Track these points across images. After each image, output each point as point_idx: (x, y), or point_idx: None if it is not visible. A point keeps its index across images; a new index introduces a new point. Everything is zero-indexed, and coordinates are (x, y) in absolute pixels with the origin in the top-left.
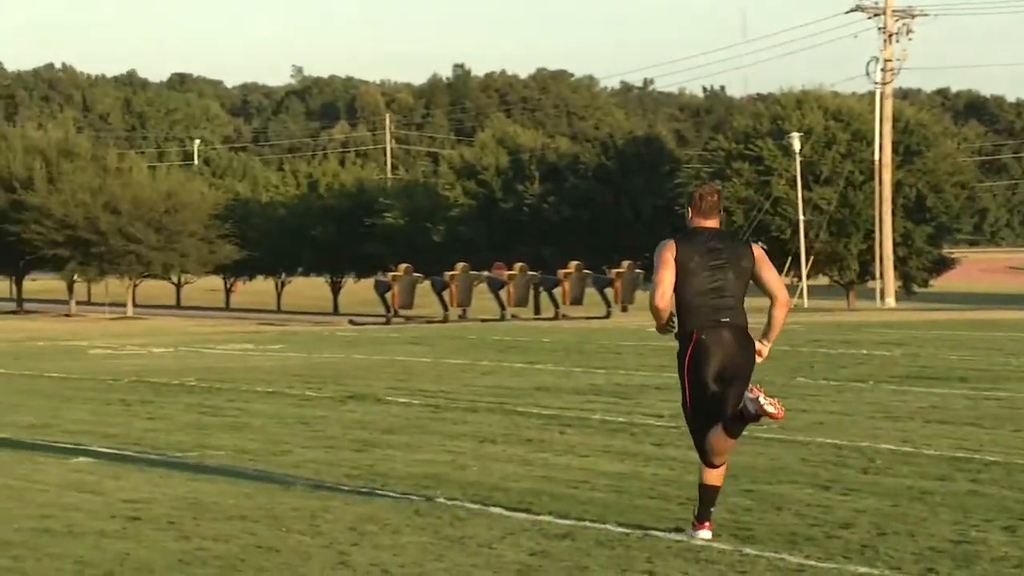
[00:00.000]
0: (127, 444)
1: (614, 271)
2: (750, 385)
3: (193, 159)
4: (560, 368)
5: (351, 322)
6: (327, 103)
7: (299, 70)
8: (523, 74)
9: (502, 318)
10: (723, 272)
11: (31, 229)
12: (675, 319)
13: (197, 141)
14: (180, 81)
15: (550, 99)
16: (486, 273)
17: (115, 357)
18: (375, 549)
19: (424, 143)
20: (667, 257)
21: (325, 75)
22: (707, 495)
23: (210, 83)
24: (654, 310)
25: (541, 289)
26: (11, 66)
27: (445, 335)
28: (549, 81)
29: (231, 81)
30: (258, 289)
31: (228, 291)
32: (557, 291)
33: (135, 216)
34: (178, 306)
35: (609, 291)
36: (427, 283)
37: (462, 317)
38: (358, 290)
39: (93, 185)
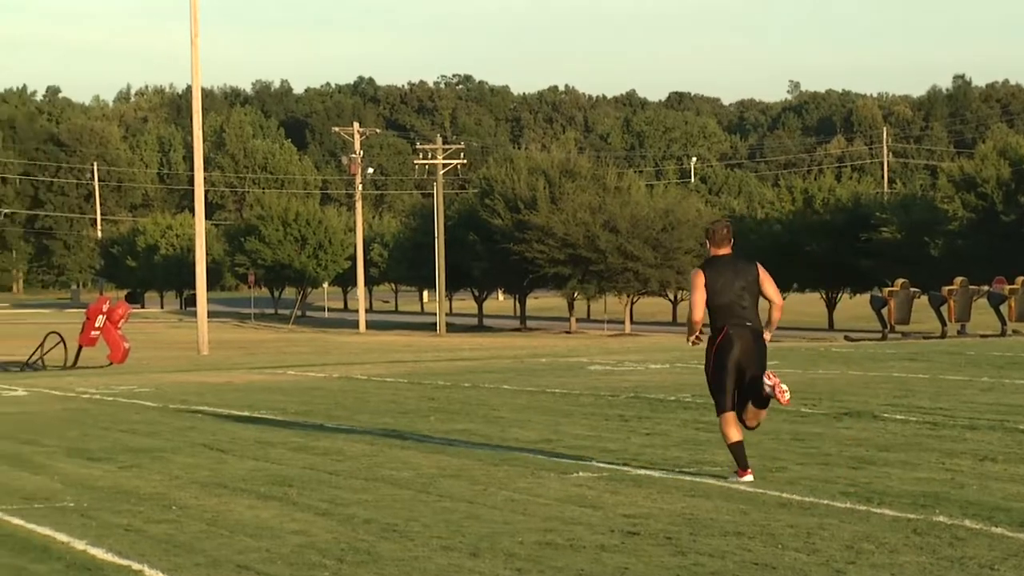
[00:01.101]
0: (625, 459)
1: None
2: (768, 372)
3: (690, 176)
4: None
5: (846, 338)
6: (823, 117)
7: (796, 85)
8: None
9: (1003, 333)
10: (739, 287)
11: (534, 248)
12: (703, 332)
13: (694, 159)
14: (678, 100)
15: None
16: (986, 287)
17: (613, 373)
18: (872, 568)
19: (922, 156)
20: (699, 283)
21: (822, 89)
22: (736, 451)
23: (707, 101)
24: (690, 323)
25: None
26: (517, 89)
27: (943, 351)
28: None
29: (728, 98)
30: None
31: None
32: None
33: (633, 234)
34: (674, 322)
35: None
36: (924, 298)
37: (960, 332)
38: (853, 306)
39: (593, 204)
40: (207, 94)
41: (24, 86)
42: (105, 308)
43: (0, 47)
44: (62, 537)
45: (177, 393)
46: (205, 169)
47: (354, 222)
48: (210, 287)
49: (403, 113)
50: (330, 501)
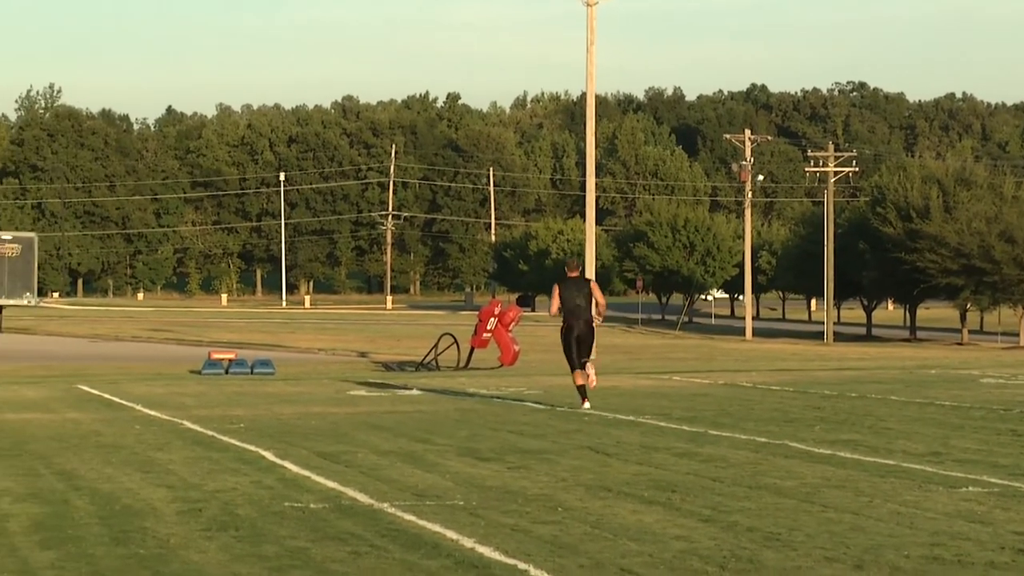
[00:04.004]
0: (1017, 475)
1: None
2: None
3: None
4: None
5: None
6: None
7: None
8: None
9: None
10: (579, 297)
11: (926, 258)
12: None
13: None
14: None
15: None
16: None
17: (1006, 387)
18: None
19: None
20: (556, 293)
21: None
22: (580, 391)
23: None
24: (552, 312)
25: None
26: (912, 96)
27: None
28: None
29: None
30: None
31: None
32: None
33: None
34: None
35: None
36: None
37: None
38: None
39: (989, 214)
40: (601, 101)
41: (426, 93)
42: (497, 311)
43: (406, 56)
44: (451, 534)
45: (564, 396)
46: (597, 175)
47: (743, 229)
48: None
49: (795, 120)
50: (713, 508)
